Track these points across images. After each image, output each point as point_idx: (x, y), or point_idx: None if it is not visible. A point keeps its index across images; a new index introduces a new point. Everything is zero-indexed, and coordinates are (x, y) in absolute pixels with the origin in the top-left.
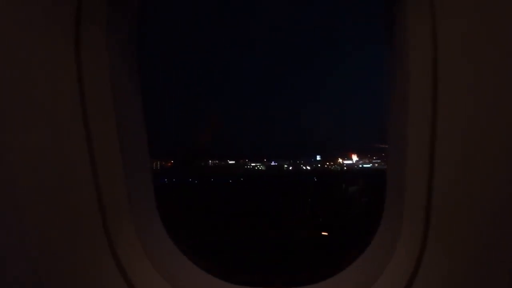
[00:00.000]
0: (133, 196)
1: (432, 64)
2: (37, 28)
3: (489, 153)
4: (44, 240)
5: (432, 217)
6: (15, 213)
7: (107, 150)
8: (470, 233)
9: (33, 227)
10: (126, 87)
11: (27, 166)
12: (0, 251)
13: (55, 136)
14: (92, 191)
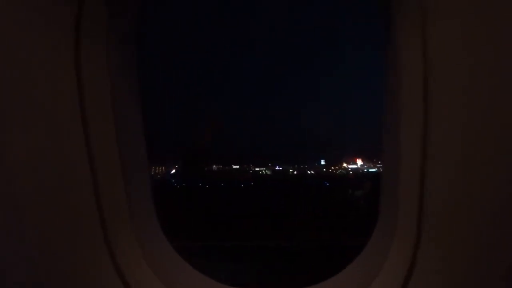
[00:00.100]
0: (131, 197)
1: (424, 66)
2: (37, 28)
3: (484, 155)
4: (44, 240)
5: (426, 218)
6: (15, 213)
7: (106, 150)
8: (464, 234)
9: (33, 227)
10: (126, 87)
11: (27, 166)
12: (0, 251)
13: (54, 136)
14: (91, 191)
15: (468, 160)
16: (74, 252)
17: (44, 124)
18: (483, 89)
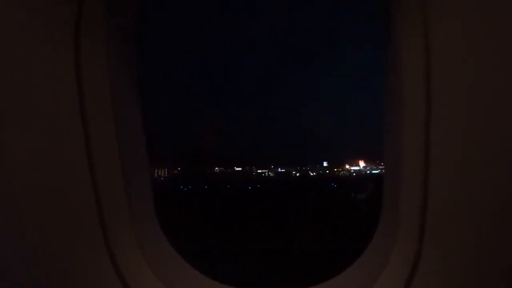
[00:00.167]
0: (131, 197)
1: (426, 65)
2: (37, 28)
3: (486, 154)
4: (44, 240)
5: (428, 219)
6: (15, 213)
7: (106, 150)
8: (467, 235)
9: (33, 227)
10: (126, 87)
11: (27, 166)
12: (0, 251)
13: (54, 136)
14: (90, 191)
15: (470, 160)
16: (74, 252)
17: (44, 124)
18: (485, 88)
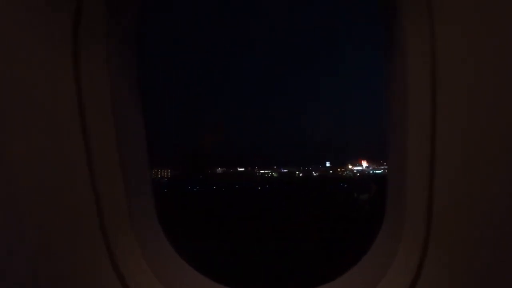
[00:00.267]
0: (131, 197)
1: (430, 65)
2: (36, 28)
3: (489, 154)
4: (44, 240)
5: (433, 218)
6: (15, 213)
7: (106, 150)
8: (472, 234)
9: (33, 227)
10: (126, 87)
11: (27, 166)
12: (0, 251)
13: (54, 136)
14: (90, 191)
15: (474, 160)
16: (74, 252)
17: (44, 124)
18: (488, 88)
